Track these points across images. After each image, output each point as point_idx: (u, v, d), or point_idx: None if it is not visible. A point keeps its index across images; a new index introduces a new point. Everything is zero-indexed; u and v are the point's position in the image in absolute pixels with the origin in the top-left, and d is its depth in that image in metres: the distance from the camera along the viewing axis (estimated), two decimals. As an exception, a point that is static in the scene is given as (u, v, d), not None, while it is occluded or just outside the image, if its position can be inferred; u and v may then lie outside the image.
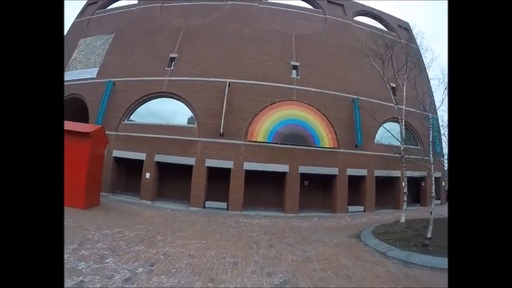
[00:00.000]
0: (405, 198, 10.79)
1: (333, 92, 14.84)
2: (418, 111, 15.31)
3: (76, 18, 19.49)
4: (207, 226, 9.92)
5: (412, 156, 11.54)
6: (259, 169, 13.76)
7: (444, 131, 12.26)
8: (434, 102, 17.84)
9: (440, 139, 15.40)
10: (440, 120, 12.81)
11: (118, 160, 14.57)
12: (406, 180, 11.16)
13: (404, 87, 11.81)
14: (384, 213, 14.42)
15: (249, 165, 13.70)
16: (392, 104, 12.55)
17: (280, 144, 14.14)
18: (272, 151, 13.99)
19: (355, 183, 15.17)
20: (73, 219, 8.16)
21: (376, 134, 15.76)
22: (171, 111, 15.23)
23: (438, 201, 17.63)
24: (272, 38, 15.88)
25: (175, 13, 16.94)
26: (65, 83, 16.17)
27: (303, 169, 14.06)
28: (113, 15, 18.40)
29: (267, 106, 14.33)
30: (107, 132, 13.71)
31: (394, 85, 16.39)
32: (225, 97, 13.78)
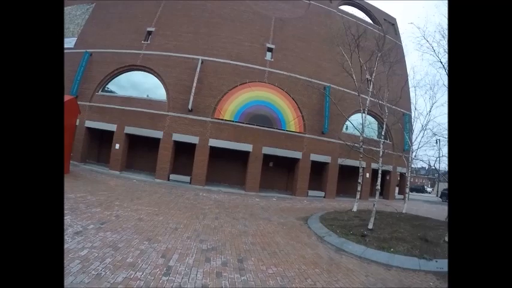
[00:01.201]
0: (359, 188, 11.06)
1: (305, 78, 15.01)
2: (390, 105, 15.88)
3: None
4: (165, 196, 10.43)
5: (372, 148, 11.91)
6: (223, 146, 14.23)
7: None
8: (409, 99, 18.31)
9: (410, 137, 15.92)
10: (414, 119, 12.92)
11: (90, 130, 15.00)
12: (361, 171, 11.50)
13: (372, 80, 12.08)
14: (344, 201, 14.98)
15: (214, 142, 14.16)
16: (365, 96, 12.81)
17: (246, 124, 14.55)
18: (238, 130, 14.42)
19: (319, 169, 15.74)
20: None
21: (345, 124, 16.20)
22: (155, 84, 15.35)
23: (401, 196, 18.42)
24: (251, 19, 15.97)
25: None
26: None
27: (267, 150, 14.52)
28: None
29: (237, 86, 14.64)
30: (80, 102, 14.14)
31: (370, 78, 16.81)
32: (197, 74, 14.04)
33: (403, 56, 18.27)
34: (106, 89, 15.74)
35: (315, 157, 15.15)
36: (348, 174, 16.52)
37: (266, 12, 16.42)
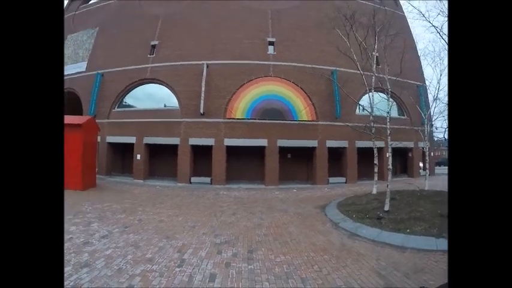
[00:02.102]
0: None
1: (310, 65, 14.77)
2: (402, 79, 15.25)
3: None
4: (186, 199, 10.88)
5: (385, 126, 11.51)
6: (239, 144, 14.53)
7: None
8: (422, 71, 17.43)
9: (428, 108, 15.15)
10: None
11: (112, 145, 15.99)
12: (376, 152, 11.20)
13: (375, 55, 11.70)
14: (366, 185, 14.47)
15: (229, 141, 14.52)
16: (369, 73, 12.45)
17: (257, 119, 14.73)
18: (250, 127, 14.64)
19: (337, 154, 15.51)
20: (72, 198, 9.52)
21: (357, 105, 15.78)
22: (168, 93, 15.91)
23: (424, 172, 17.61)
24: (247, 16, 16.04)
25: (153, 2, 17.46)
26: None
27: (282, 142, 14.61)
28: (95, 10, 19.37)
29: (244, 84, 14.85)
30: (100, 120, 15.07)
31: (377, 54, 16.20)
32: (203, 78, 14.40)
33: (407, 26, 17.37)
34: (124, 103, 16.66)
35: (331, 143, 14.97)
36: (368, 157, 16.06)
37: (261, 7, 16.36)
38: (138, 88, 16.38)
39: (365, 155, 16.00)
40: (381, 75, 10.57)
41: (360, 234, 6.11)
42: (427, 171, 11.63)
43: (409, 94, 14.27)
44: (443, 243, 5.10)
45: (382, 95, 15.37)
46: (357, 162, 15.51)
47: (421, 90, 16.34)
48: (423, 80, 17.03)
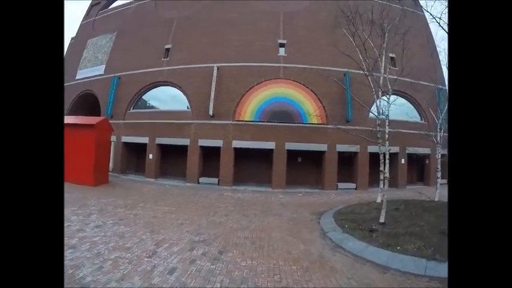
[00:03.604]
0: (381, 177, 10.00)
1: (322, 67, 14.46)
2: (419, 82, 14.38)
3: (82, 20, 22.15)
4: (189, 198, 11.12)
5: (401, 131, 10.90)
6: (247, 146, 14.53)
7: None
8: (442, 73, 16.26)
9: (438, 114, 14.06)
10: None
11: (127, 145, 16.77)
12: (388, 157, 10.51)
13: (384, 56, 11.14)
14: (376, 192, 13.67)
15: (237, 143, 14.57)
16: (381, 75, 11.89)
17: (266, 122, 14.63)
18: (259, 129, 14.58)
19: (348, 159, 14.93)
20: (81, 192, 10.30)
21: (371, 109, 15.11)
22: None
23: (444, 180, 16.34)
24: (259, 19, 16.05)
25: (168, 6, 18.07)
26: (79, 81, 18.90)
27: (290, 146, 14.36)
28: (113, 15, 20.49)
29: (253, 86, 14.83)
30: (116, 121, 15.92)
31: (393, 55, 15.43)
32: (214, 81, 14.64)
33: (426, 27, 16.39)
34: (148, 105, 17.44)
35: (341, 147, 14.41)
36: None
37: (273, 8, 16.30)
38: (161, 90, 16.93)
39: (378, 160, 15.25)
40: (390, 76, 9.98)
41: (344, 247, 5.72)
42: (439, 180, 10.69)
43: (424, 97, 13.34)
44: (433, 268, 4.50)
45: (394, 97, 14.70)
46: (368, 167, 14.82)
47: (440, 94, 15.27)
48: (444, 83, 15.91)
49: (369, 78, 10.04)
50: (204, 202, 10.36)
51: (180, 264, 4.57)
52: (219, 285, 3.89)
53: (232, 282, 4.01)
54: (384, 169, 7.90)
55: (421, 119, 16.13)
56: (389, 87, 8.35)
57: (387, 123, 7.94)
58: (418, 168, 17.47)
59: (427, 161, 16.30)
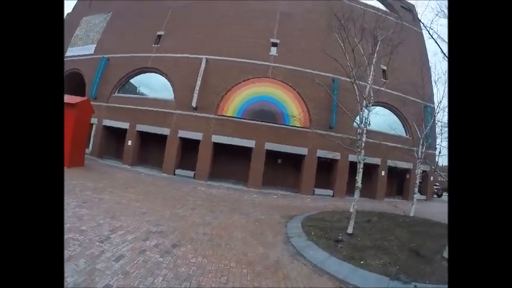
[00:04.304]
0: (358, 184, 9.86)
1: (311, 71, 14.46)
2: (407, 96, 14.56)
3: None
4: (161, 188, 10.88)
5: (374, 141, 10.91)
6: (226, 142, 14.39)
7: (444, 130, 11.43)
8: (431, 90, 16.53)
9: (433, 130, 14.23)
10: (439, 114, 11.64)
11: (108, 128, 16.32)
12: (362, 166, 10.46)
13: (372, 66, 11.12)
14: (352, 201, 13.92)
15: (217, 138, 14.41)
16: (381, 88, 11.83)
17: (248, 119, 14.52)
18: (240, 126, 14.46)
19: (327, 165, 14.98)
20: None
21: (355, 118, 15.17)
22: None
23: (423, 197, 16.66)
24: (255, 16, 15.94)
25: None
26: (67, 59, 18.25)
27: (270, 146, 14.30)
28: None
29: (240, 82, 14.70)
30: (99, 103, 15.44)
31: (384, 67, 15.55)
32: (201, 73, 14.42)
33: (422, 44, 16.66)
34: (138, 92, 17.04)
35: (322, 153, 14.43)
36: (362, 172, 15.40)
37: (271, 7, 16.22)
38: (154, 78, 16.51)
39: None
40: (374, 86, 9.95)
41: (305, 255, 5.42)
42: (415, 195, 10.76)
43: (411, 112, 13.49)
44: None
45: (381, 109, 14.88)
46: (348, 176, 14.89)
47: (428, 110, 15.50)
48: (432, 101, 16.17)
49: (354, 85, 10.01)
50: (175, 194, 10.15)
51: (129, 252, 4.42)
52: (161, 279, 3.74)
53: (176, 278, 3.84)
54: (357, 178, 7.82)
55: (406, 134, 16.34)
56: (372, 96, 8.27)
57: (364, 132, 7.90)
58: (398, 182, 17.74)
59: (407, 176, 16.54)
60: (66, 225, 5.09)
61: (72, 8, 21.23)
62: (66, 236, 4.59)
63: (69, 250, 4.12)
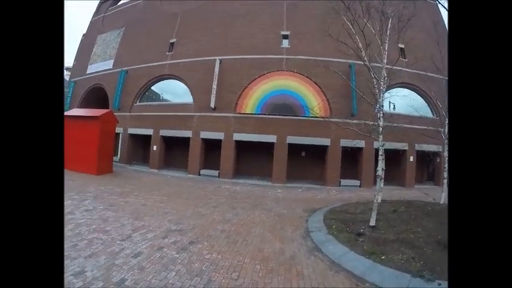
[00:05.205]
0: (379, 173, 9.21)
1: (326, 59, 13.94)
2: (426, 73, 13.54)
3: (92, 18, 22.78)
4: (185, 188, 11.21)
5: (392, 124, 10.15)
6: (248, 139, 14.44)
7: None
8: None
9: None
10: None
11: (134, 136, 17.20)
12: (383, 153, 9.84)
13: (386, 45, 10.47)
14: (382, 190, 13.23)
15: (238, 136, 14.53)
16: (397, 67, 11.11)
17: (267, 115, 14.44)
18: (260, 122, 14.42)
19: (352, 155, 14.41)
20: (83, 180, 10.64)
21: (380, 102, 14.44)
22: None
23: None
24: (261, 10, 15.78)
25: (173, 1, 18.20)
26: (89, 76, 19.52)
27: (292, 139, 14.10)
28: (122, 11, 20.91)
29: (255, 79, 14.65)
30: (123, 113, 16.27)
31: (402, 46, 14.61)
32: (216, 73, 14.59)
33: (439, 16, 15.37)
34: (161, 98, 17.86)
35: (345, 142, 13.89)
36: (389, 159, 14.62)
37: (276, 0, 15.94)
38: (175, 84, 16.98)
39: (386, 156, 14.63)
40: (387, 66, 9.37)
41: (323, 250, 5.18)
42: (445, 180, 9.91)
43: (432, 89, 12.50)
44: (418, 287, 3.79)
45: (403, 90, 14.04)
46: (374, 164, 14.20)
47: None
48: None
49: (368, 67, 9.51)
50: (198, 193, 10.37)
51: (146, 250, 4.64)
52: (173, 274, 3.86)
53: (188, 273, 3.94)
54: (377, 166, 7.40)
55: (433, 114, 15.28)
56: (385, 76, 7.77)
57: (381, 116, 7.47)
58: (429, 167, 16.64)
59: (437, 159, 15.43)
60: (92, 227, 5.51)
61: (87, 28, 22.61)
62: (90, 236, 4.97)
63: (92, 248, 4.46)
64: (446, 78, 13.07)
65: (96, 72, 19.48)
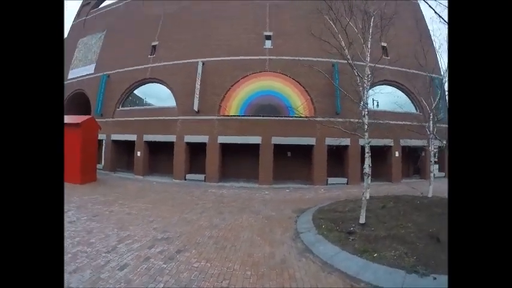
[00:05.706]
0: (366, 170, 9.30)
1: (310, 58, 13.99)
2: (409, 70, 13.91)
3: (73, 21, 22.00)
4: (171, 194, 10.99)
5: (377, 121, 10.39)
6: (232, 142, 14.34)
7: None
8: (437, 62, 15.73)
9: (444, 103, 13.52)
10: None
11: (117, 142, 16.68)
12: (369, 150, 9.95)
13: (368, 44, 10.65)
14: (370, 186, 13.49)
15: (222, 139, 14.41)
16: (379, 65, 11.29)
17: (251, 116, 14.40)
18: (244, 124, 14.35)
19: (338, 153, 14.58)
20: (66, 190, 9.92)
21: (364, 100, 14.69)
22: None
23: (442, 174, 15.89)
24: (244, 11, 15.74)
25: (155, 3, 17.84)
26: (70, 81, 18.78)
27: (277, 140, 14.11)
28: (103, 14, 20.26)
29: (239, 80, 14.58)
30: (106, 119, 15.80)
31: (385, 44, 14.96)
32: (199, 76, 14.41)
33: (419, 14, 15.87)
34: (145, 103, 17.33)
35: (330, 141, 14.03)
36: (375, 155, 14.88)
37: (259, 1, 15.91)
38: (159, 88, 16.58)
39: (372, 153, 14.87)
40: (370, 64, 9.50)
41: (314, 251, 5.15)
42: (432, 174, 10.17)
43: (415, 86, 12.85)
44: (412, 283, 3.78)
45: (387, 88, 14.38)
46: (360, 161, 14.44)
47: (436, 83, 14.77)
48: (439, 72, 15.40)
49: (352, 65, 9.63)
50: (184, 199, 10.20)
51: (133, 261, 4.51)
52: (161, 286, 3.76)
53: (177, 283, 3.85)
54: (364, 164, 7.48)
55: (416, 110, 15.69)
56: (369, 74, 7.90)
57: (366, 113, 7.58)
58: (415, 161, 17.09)
59: (422, 154, 15.88)
60: (75, 239, 5.36)
61: (68, 32, 21.73)
62: (74, 250, 4.82)
63: (77, 262, 4.34)
64: (430, 75, 13.60)
65: (78, 77, 18.79)
